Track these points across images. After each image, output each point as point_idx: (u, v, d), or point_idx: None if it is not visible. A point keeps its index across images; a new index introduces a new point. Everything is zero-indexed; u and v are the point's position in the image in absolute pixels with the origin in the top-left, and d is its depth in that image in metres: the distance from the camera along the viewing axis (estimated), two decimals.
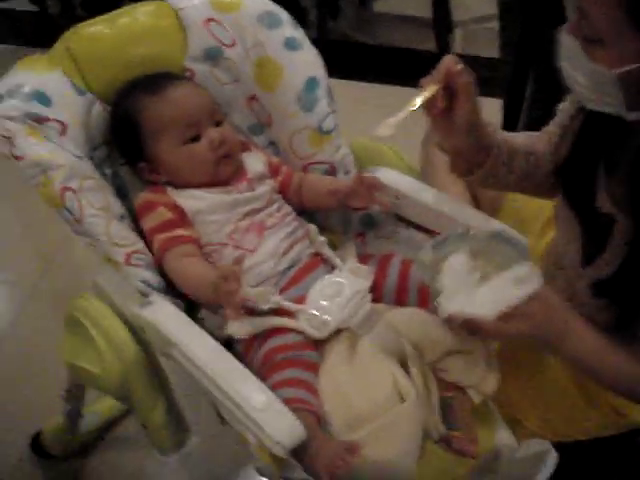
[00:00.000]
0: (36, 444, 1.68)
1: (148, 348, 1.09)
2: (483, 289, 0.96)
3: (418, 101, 1.04)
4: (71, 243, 2.16)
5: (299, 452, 0.98)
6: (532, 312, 0.98)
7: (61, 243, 2.19)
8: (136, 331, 1.08)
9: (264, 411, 0.91)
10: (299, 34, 1.31)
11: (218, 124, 1.22)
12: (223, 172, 1.21)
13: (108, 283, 1.13)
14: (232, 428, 1.08)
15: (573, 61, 0.96)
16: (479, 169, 1.17)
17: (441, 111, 1.06)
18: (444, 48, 2.98)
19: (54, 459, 1.68)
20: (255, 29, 1.29)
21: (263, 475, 1.04)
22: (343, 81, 2.74)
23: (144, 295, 1.10)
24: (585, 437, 1.32)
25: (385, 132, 1.05)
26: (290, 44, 1.29)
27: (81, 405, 1.52)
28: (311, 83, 1.29)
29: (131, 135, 1.19)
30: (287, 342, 1.08)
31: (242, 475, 1.11)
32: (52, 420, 1.65)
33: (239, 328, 1.08)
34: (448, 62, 1.04)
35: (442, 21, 2.94)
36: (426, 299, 1.13)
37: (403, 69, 3.03)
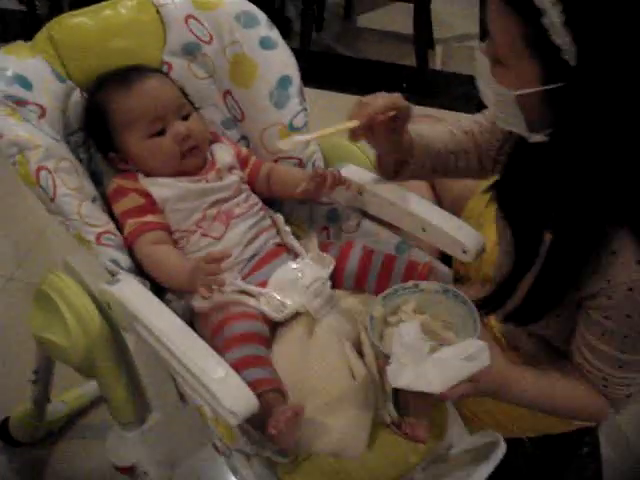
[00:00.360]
0: (3, 431, 1.71)
1: (113, 324, 1.12)
2: (432, 363, 0.96)
3: (328, 131, 1.14)
4: (45, 237, 2.21)
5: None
6: (475, 378, 1.00)
7: (37, 236, 2.22)
8: (102, 308, 1.12)
9: (221, 383, 0.95)
10: (274, 34, 1.36)
11: (185, 118, 1.26)
12: (188, 165, 1.25)
13: (78, 262, 1.17)
14: (190, 405, 1.13)
15: (484, 79, 1.01)
16: (402, 172, 1.25)
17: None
18: (423, 64, 3.05)
19: (21, 446, 1.71)
20: (232, 27, 1.34)
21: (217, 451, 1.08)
22: (325, 92, 2.81)
23: (112, 274, 1.14)
24: (534, 434, 1.37)
25: (285, 146, 1.19)
26: (265, 43, 1.35)
27: (48, 389, 1.55)
28: (284, 81, 1.35)
29: (101, 126, 1.24)
30: (236, 312, 1.13)
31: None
32: (20, 407, 1.67)
33: (200, 302, 1.14)
34: (375, 107, 1.12)
35: (422, 38, 3.00)
36: (384, 285, 1.18)
37: (383, 82, 3.10)
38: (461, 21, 3.54)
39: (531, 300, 1.09)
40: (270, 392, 1.04)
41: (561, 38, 0.86)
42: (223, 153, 1.30)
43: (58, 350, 1.12)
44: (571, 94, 0.90)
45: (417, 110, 1.24)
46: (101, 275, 1.14)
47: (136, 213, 1.20)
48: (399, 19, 3.47)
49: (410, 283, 1.09)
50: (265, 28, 1.36)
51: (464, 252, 1.19)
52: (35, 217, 2.24)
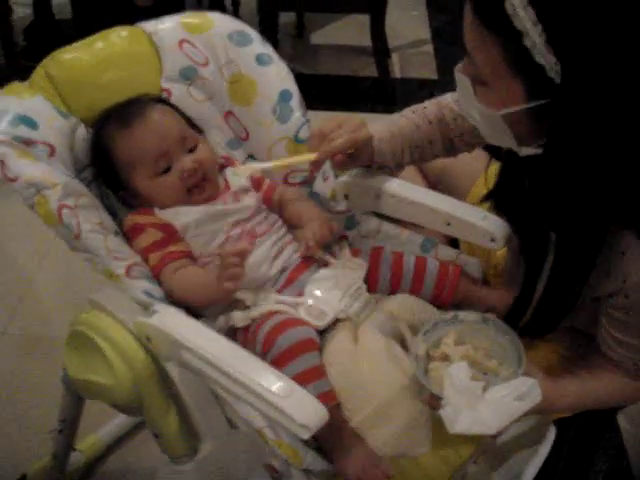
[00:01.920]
0: None
1: (155, 357, 1.10)
2: (487, 405, 0.97)
3: (287, 161, 1.23)
4: (37, 286, 2.16)
5: (323, 443, 1.05)
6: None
7: (26, 285, 2.17)
8: (142, 341, 1.09)
9: (286, 397, 0.93)
10: (268, 50, 1.36)
11: (192, 150, 1.24)
12: (196, 199, 1.24)
13: (106, 298, 1.14)
14: (241, 432, 1.11)
15: (466, 99, 1.01)
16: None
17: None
18: (384, 73, 3.08)
19: None
20: (226, 47, 1.34)
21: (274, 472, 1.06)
22: None
23: (145, 307, 1.12)
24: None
25: (243, 173, 1.23)
26: (261, 60, 1.35)
27: (74, 438, 1.50)
28: (284, 95, 1.35)
29: (107, 166, 1.23)
30: (282, 319, 1.11)
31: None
32: (37, 463, 1.63)
33: (241, 318, 1.14)
34: (333, 148, 1.16)
35: (381, 47, 3.04)
36: (418, 289, 1.21)
37: (347, 96, 3.13)
38: (411, 28, 3.60)
39: (544, 309, 1.10)
40: (334, 407, 1.03)
41: (544, 57, 0.86)
42: (237, 177, 1.29)
43: (102, 390, 1.08)
44: (558, 109, 0.90)
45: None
46: (130, 309, 1.12)
47: (157, 247, 1.19)
48: (352, 32, 3.52)
49: (449, 315, 1.10)
50: (259, 45, 1.36)
51: (492, 240, 1.19)
52: (21, 266, 2.20)
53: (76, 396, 1.33)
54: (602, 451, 1.54)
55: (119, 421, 1.69)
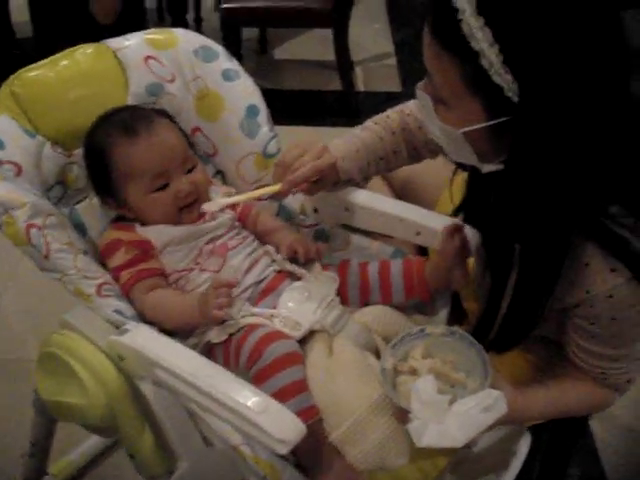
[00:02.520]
0: None
1: (128, 376, 1.08)
2: (453, 418, 0.97)
3: (253, 194, 1.24)
4: (4, 308, 2.12)
5: (302, 459, 1.05)
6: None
7: None
8: (114, 361, 1.08)
9: (263, 412, 0.92)
10: (234, 65, 1.37)
11: (189, 170, 1.23)
12: (185, 219, 1.23)
13: (77, 318, 1.13)
14: (217, 450, 1.10)
15: (428, 117, 1.03)
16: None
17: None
18: (349, 87, 3.10)
19: None
20: (192, 63, 1.34)
21: None
22: None
23: (116, 326, 1.11)
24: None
25: (210, 208, 1.21)
26: (228, 75, 1.35)
27: (46, 461, 1.48)
28: (252, 110, 1.35)
29: (101, 171, 1.21)
30: (267, 332, 1.11)
31: None
32: None
33: (217, 334, 1.13)
34: (297, 177, 1.17)
35: (344, 61, 3.06)
36: (388, 293, 1.22)
37: (310, 110, 3.14)
38: (374, 41, 3.63)
39: (510, 323, 1.11)
40: (317, 422, 1.04)
41: (501, 77, 0.88)
42: (215, 195, 1.28)
43: (76, 411, 1.07)
44: (517, 126, 0.91)
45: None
46: (102, 328, 1.11)
47: (129, 265, 1.18)
48: (314, 47, 3.54)
49: (416, 329, 1.10)
50: (225, 60, 1.36)
51: None
52: None
53: (47, 418, 1.31)
54: (576, 457, 1.56)
55: (92, 443, 1.67)
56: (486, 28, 0.86)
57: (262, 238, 1.31)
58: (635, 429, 1.85)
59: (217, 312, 1.07)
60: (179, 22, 3.37)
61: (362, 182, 1.32)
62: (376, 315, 1.19)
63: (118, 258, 1.18)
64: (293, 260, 1.25)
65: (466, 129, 0.96)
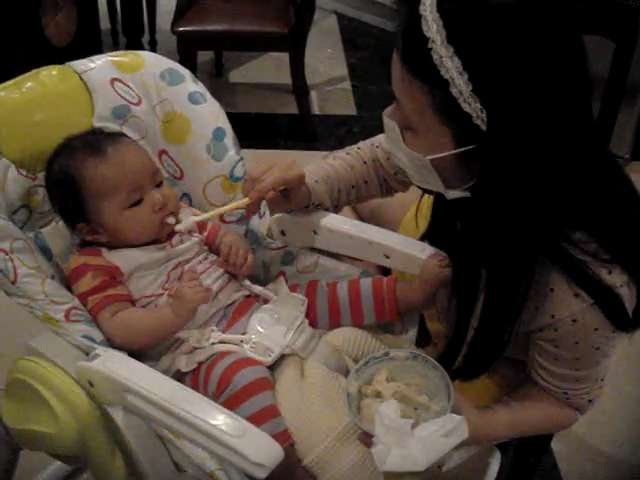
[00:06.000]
0: None
1: (98, 403, 1.07)
2: (416, 442, 0.98)
3: (222, 209, 1.25)
4: None
5: None
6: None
7: None
8: (83, 387, 1.06)
9: (240, 436, 0.92)
10: (201, 88, 1.37)
11: (159, 185, 1.23)
12: (165, 232, 1.23)
13: (45, 344, 1.10)
14: (189, 476, 1.09)
15: (394, 143, 1.04)
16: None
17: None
18: (305, 110, 3.12)
19: None
20: (159, 86, 1.33)
21: None
22: None
23: (85, 351, 1.09)
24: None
25: (182, 228, 1.22)
26: (194, 98, 1.35)
27: None
28: (218, 133, 1.35)
29: (70, 196, 1.19)
30: (236, 359, 1.10)
31: None
32: None
33: (186, 363, 1.13)
34: (263, 186, 1.16)
35: (300, 85, 3.08)
36: (358, 312, 1.22)
37: (267, 133, 3.15)
38: (328, 65, 3.66)
39: (476, 350, 1.13)
40: (289, 447, 1.04)
41: (470, 105, 0.90)
42: (184, 217, 1.27)
43: (44, 439, 1.04)
44: (484, 154, 0.94)
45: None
46: (70, 354, 1.09)
47: (95, 290, 1.16)
48: (269, 70, 3.55)
49: (380, 352, 1.11)
50: (191, 83, 1.36)
51: None
52: None
53: (11, 447, 1.28)
54: (540, 472, 1.58)
55: (54, 468, 1.62)
56: (455, 57, 0.89)
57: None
58: (595, 446, 1.90)
59: (195, 295, 1.09)
60: (134, 44, 3.34)
61: (333, 210, 1.33)
62: (346, 337, 1.20)
63: (85, 284, 1.16)
64: (258, 282, 1.25)
65: (433, 156, 0.98)
